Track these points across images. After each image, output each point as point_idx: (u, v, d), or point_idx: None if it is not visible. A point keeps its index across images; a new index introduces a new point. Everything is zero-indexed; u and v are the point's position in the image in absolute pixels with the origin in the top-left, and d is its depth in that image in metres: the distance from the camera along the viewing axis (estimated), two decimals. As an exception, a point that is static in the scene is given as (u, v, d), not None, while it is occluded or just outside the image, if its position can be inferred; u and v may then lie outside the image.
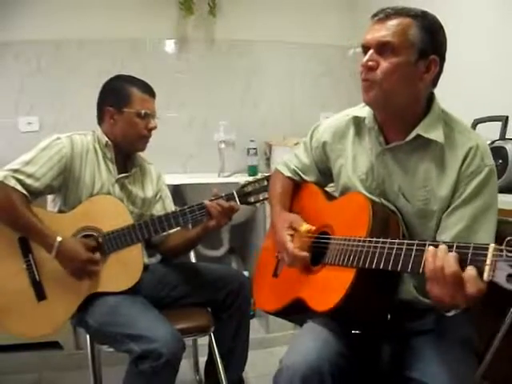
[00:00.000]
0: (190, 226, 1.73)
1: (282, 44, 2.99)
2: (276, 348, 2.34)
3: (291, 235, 1.22)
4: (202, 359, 1.86)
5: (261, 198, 1.57)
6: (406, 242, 0.93)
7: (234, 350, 1.72)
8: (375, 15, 1.08)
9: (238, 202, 1.56)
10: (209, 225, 1.57)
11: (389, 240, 0.97)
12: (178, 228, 1.68)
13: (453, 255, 0.82)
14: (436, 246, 0.86)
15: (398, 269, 0.93)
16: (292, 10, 2.96)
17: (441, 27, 1.09)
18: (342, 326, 1.11)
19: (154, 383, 1.33)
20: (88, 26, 2.67)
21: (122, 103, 1.57)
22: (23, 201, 1.45)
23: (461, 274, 0.80)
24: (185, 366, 2.08)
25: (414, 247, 0.90)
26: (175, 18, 2.82)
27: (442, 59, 1.08)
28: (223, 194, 1.57)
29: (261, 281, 1.39)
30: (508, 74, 1.84)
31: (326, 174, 1.35)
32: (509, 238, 0.75)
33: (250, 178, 1.60)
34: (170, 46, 2.89)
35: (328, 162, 1.32)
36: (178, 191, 2.40)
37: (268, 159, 2.88)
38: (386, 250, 0.96)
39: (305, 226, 1.21)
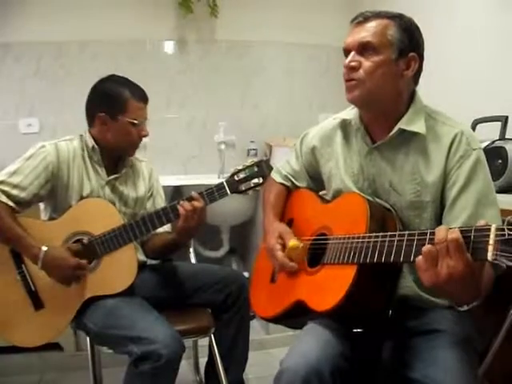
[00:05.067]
0: None
1: (281, 44, 2.99)
2: (276, 349, 2.34)
3: (281, 244, 1.25)
4: (203, 360, 1.86)
5: (252, 185, 1.52)
6: (406, 233, 0.94)
7: (235, 351, 1.71)
8: (354, 19, 1.13)
9: (229, 192, 1.50)
10: (178, 226, 1.51)
11: (389, 233, 0.97)
12: (168, 227, 1.67)
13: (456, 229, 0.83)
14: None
15: (400, 260, 0.93)
16: (291, 10, 2.96)
17: (417, 27, 1.13)
18: (344, 325, 1.11)
19: (154, 384, 1.33)
20: (88, 28, 2.68)
21: (117, 110, 1.54)
22: (8, 212, 1.45)
23: (461, 240, 0.80)
24: (185, 367, 2.08)
25: (416, 237, 0.91)
26: (175, 18, 2.82)
27: (421, 58, 1.13)
28: (213, 186, 1.51)
29: (258, 287, 1.39)
30: (507, 74, 1.84)
31: (316, 180, 1.38)
32: (509, 218, 0.75)
33: (240, 166, 1.53)
34: (169, 47, 2.89)
35: (318, 166, 1.34)
36: (178, 192, 2.40)
37: (268, 160, 2.87)
38: (386, 243, 0.96)
39: (292, 242, 1.21)
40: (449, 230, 0.82)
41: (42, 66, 2.69)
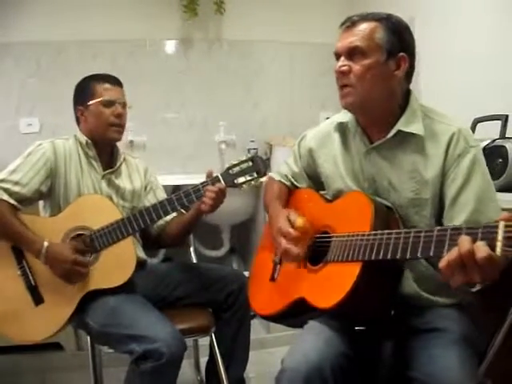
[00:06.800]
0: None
1: (281, 44, 2.99)
2: (277, 348, 2.34)
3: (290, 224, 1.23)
4: (203, 359, 1.86)
5: (248, 179, 1.54)
6: (413, 230, 0.94)
7: (235, 350, 1.72)
8: (343, 24, 1.15)
9: (224, 184, 1.53)
10: (202, 208, 1.53)
11: (395, 231, 0.98)
12: (174, 214, 1.67)
13: (481, 243, 0.79)
14: (445, 230, 0.87)
15: (407, 257, 0.94)
16: (290, 10, 2.96)
17: (406, 27, 1.15)
18: (345, 322, 1.12)
19: (155, 383, 1.33)
20: (88, 28, 2.68)
21: (87, 98, 1.61)
22: (10, 210, 1.47)
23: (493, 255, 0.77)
24: (186, 366, 2.07)
25: (422, 234, 0.91)
26: (175, 18, 2.82)
27: (412, 56, 1.14)
28: (209, 179, 1.54)
29: (257, 286, 1.38)
30: (507, 73, 1.84)
31: (315, 180, 1.39)
32: None
33: (234, 161, 1.56)
34: (169, 46, 2.89)
35: (316, 167, 1.35)
36: (177, 192, 2.40)
37: (268, 159, 2.88)
38: (392, 240, 0.97)
39: (299, 220, 1.20)
40: (475, 245, 0.79)
41: (42, 66, 2.69)
